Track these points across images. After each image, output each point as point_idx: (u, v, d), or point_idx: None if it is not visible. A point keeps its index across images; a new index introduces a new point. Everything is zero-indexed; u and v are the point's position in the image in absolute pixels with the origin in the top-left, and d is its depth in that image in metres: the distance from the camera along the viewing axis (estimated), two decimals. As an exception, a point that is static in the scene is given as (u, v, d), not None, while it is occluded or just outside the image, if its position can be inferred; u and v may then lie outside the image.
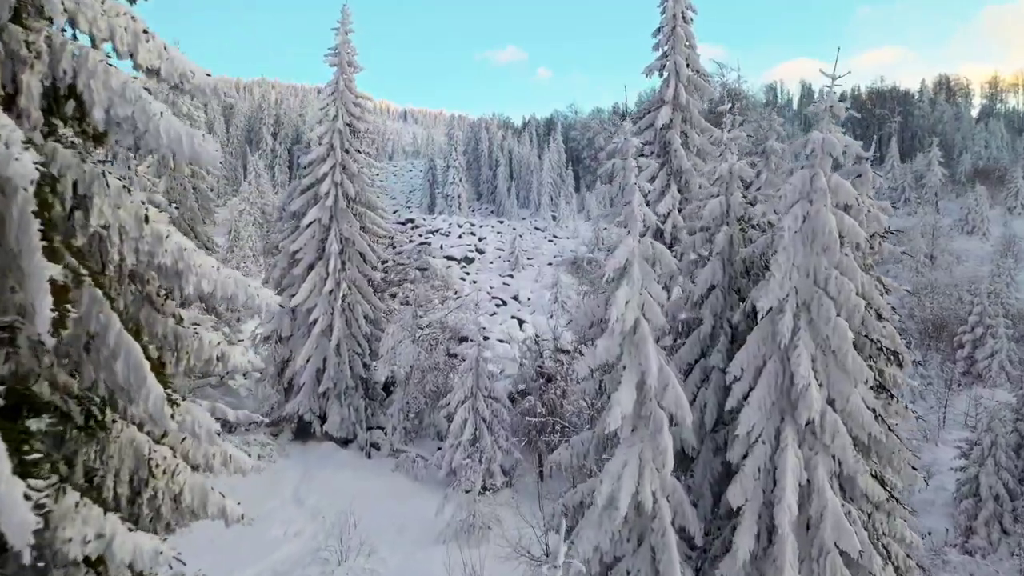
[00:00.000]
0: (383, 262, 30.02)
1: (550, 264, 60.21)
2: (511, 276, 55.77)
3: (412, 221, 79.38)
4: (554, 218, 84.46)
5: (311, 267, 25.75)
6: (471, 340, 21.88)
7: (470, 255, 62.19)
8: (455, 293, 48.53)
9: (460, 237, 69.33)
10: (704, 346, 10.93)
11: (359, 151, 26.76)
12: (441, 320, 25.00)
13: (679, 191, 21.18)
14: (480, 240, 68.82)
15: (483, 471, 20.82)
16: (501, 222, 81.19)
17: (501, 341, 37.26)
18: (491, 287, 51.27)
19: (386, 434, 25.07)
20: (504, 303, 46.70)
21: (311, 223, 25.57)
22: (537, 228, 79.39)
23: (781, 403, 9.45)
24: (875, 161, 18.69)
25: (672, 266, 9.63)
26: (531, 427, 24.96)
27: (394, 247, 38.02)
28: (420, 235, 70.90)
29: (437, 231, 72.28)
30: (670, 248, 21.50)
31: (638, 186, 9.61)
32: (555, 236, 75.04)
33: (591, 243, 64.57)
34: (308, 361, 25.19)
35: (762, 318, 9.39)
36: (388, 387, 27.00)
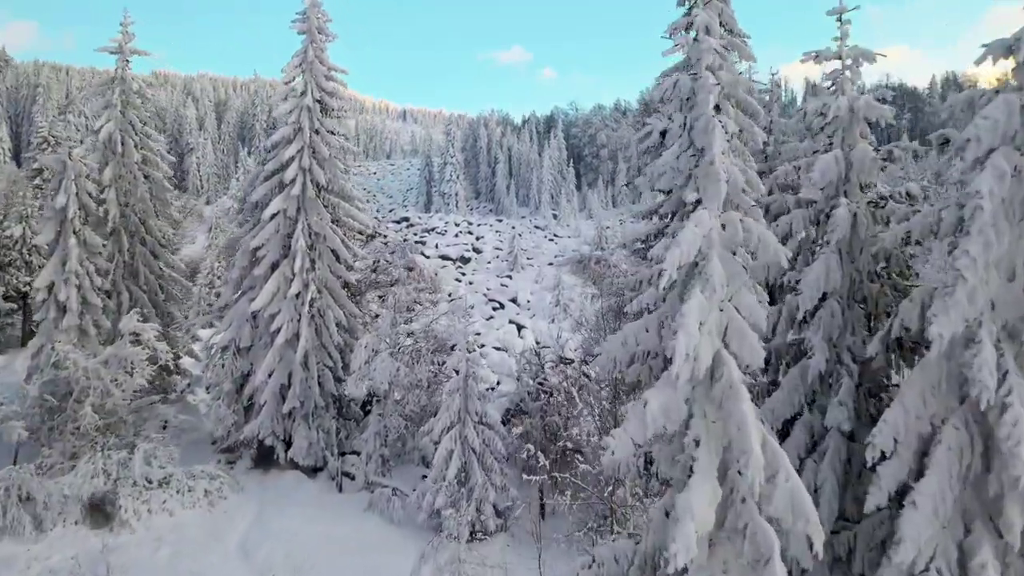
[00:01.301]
0: (374, 262, 25.98)
1: (551, 264, 56.21)
2: (509, 277, 51.74)
3: (407, 219, 75.38)
4: (555, 217, 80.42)
5: (275, 266, 21.72)
6: (459, 352, 17.80)
7: (466, 255, 58.17)
8: (449, 295, 44.48)
9: (457, 236, 65.35)
10: (811, 392, 6.87)
11: (332, 132, 22.70)
12: (426, 328, 20.90)
13: (711, 174, 17.03)
14: (478, 239, 64.84)
15: (472, 515, 16.76)
16: (500, 220, 77.20)
17: (498, 349, 33.23)
18: (488, 288, 47.24)
19: (364, 461, 20.97)
20: (501, 306, 42.65)
21: (275, 215, 21.52)
22: (537, 227, 75.40)
23: (966, 501, 5.48)
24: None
25: (780, 259, 5.59)
26: (530, 453, 20.95)
27: (387, 245, 33.93)
28: (415, 233, 66.90)
29: (433, 230, 68.32)
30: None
31: (720, 123, 5.64)
32: (556, 235, 71.06)
33: (594, 242, 60.58)
34: (270, 376, 21.15)
35: (939, 352, 5.34)
36: (367, 405, 22.94)
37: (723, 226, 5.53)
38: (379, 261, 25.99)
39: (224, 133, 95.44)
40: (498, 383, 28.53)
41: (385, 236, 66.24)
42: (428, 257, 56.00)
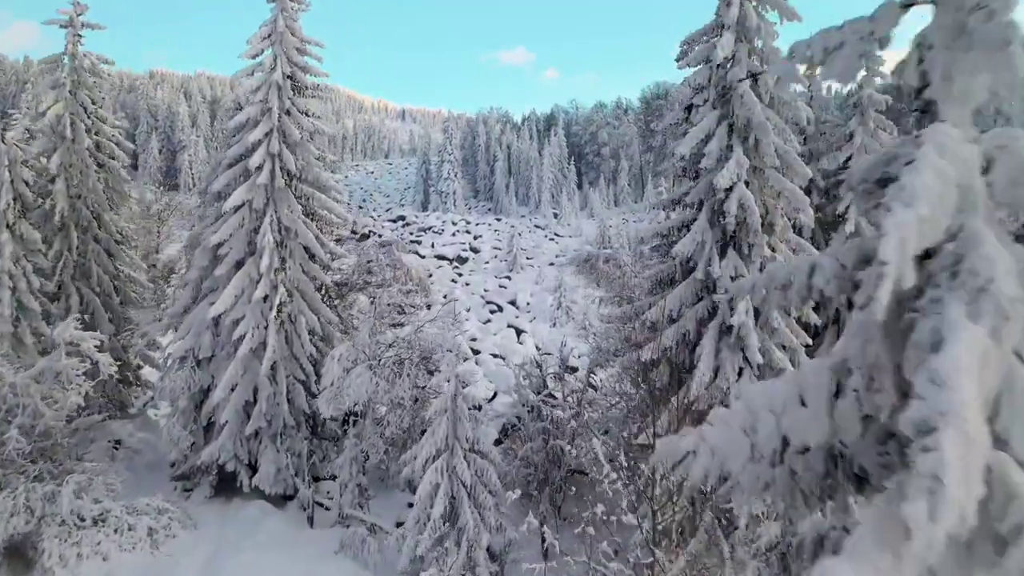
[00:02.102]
0: (367, 262, 23.07)
1: (552, 264, 53.29)
2: (508, 278, 48.80)
3: (403, 218, 72.56)
4: (555, 216, 77.54)
5: (238, 266, 18.85)
6: (447, 366, 14.88)
7: (463, 254, 55.24)
8: (445, 296, 41.56)
9: (454, 235, 62.47)
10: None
11: (305, 113, 19.85)
12: (411, 336, 17.99)
13: (746, 155, 14.17)
14: (475, 238, 61.95)
15: (462, 563, 13.87)
16: (499, 220, 74.35)
17: (495, 356, 30.32)
18: (486, 290, 44.30)
19: (338, 491, 18.07)
20: (500, 309, 39.72)
21: (238, 207, 18.68)
22: (537, 226, 72.54)
23: None
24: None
25: None
26: (530, 477, 18.09)
27: (374, 243, 30.90)
28: (411, 232, 64.06)
29: (429, 229, 65.47)
30: (732, 241, 14.55)
31: None
32: (557, 234, 68.17)
33: (597, 241, 57.67)
34: (233, 391, 18.29)
35: None
36: (346, 424, 20.03)
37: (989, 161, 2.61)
38: (370, 260, 23.11)
39: (217, 131, 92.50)
40: (495, 395, 25.65)
41: (380, 235, 63.42)
42: (423, 257, 53.18)
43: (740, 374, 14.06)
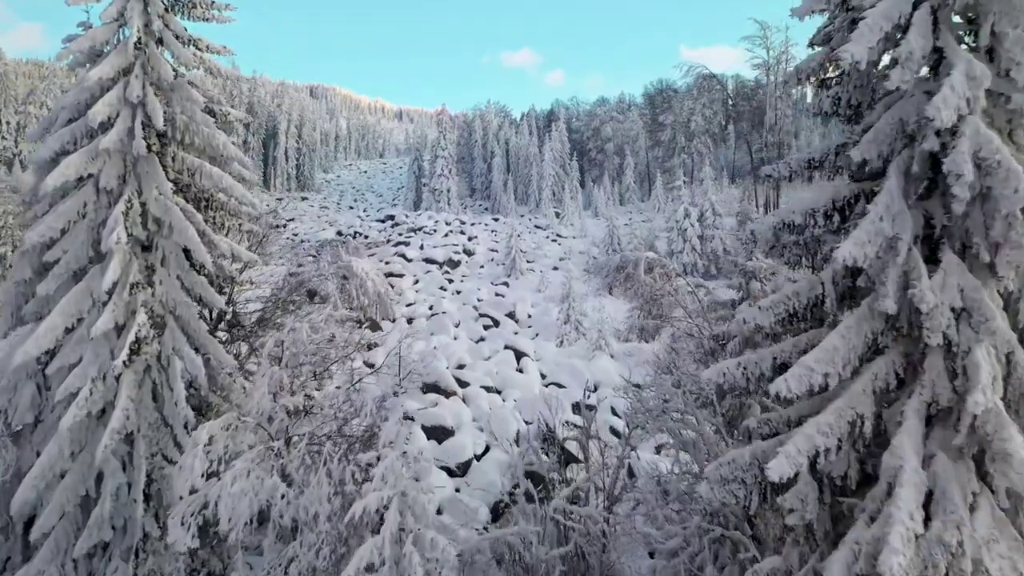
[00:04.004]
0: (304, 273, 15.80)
1: (555, 268, 45.99)
2: (506, 284, 41.42)
3: (392, 217, 65.22)
4: (558, 215, 70.21)
5: (77, 278, 11.67)
6: (386, 475, 7.56)
7: (456, 257, 47.82)
8: (430, 308, 34.21)
9: (446, 236, 55.08)
10: None
11: (191, 43, 12.62)
12: (336, 406, 10.66)
13: (981, 64, 6.82)
14: (470, 239, 54.57)
15: None
16: (496, 219, 67.00)
17: (488, 389, 22.96)
18: (479, 300, 36.86)
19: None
20: (495, 323, 32.32)
21: (79, 183, 11.57)
22: (538, 226, 65.27)
23: None
24: None
25: None
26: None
27: (363, 239, 23.01)
28: (400, 233, 56.75)
29: (420, 229, 58.10)
30: (950, 236, 7.33)
31: None
32: (559, 235, 60.88)
33: (604, 243, 50.35)
34: (59, 481, 11.07)
35: None
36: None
37: None
38: (301, 267, 15.80)
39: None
40: (487, 450, 18.36)
41: (367, 236, 56.08)
42: (410, 260, 45.90)
43: (973, 507, 6.75)
